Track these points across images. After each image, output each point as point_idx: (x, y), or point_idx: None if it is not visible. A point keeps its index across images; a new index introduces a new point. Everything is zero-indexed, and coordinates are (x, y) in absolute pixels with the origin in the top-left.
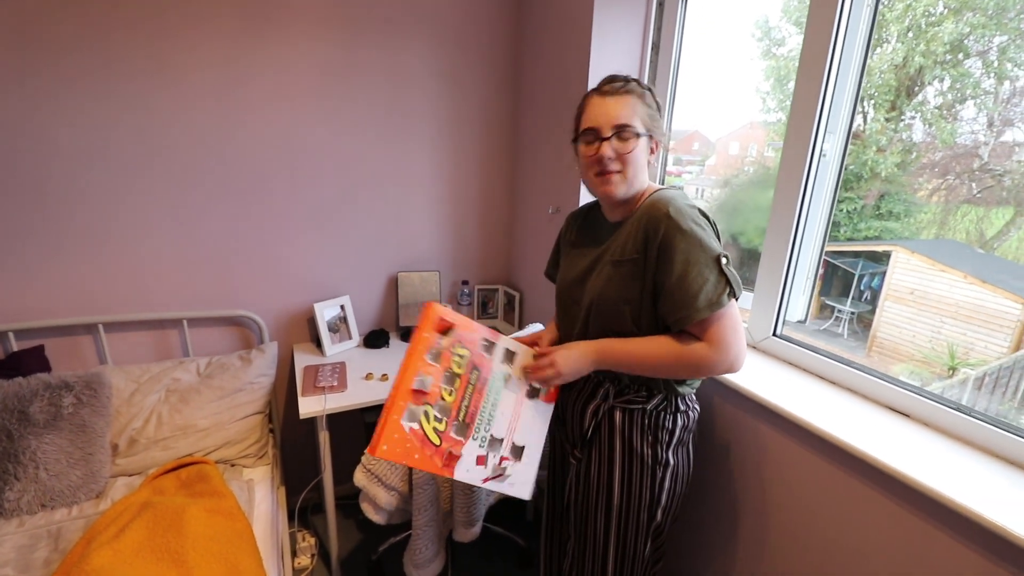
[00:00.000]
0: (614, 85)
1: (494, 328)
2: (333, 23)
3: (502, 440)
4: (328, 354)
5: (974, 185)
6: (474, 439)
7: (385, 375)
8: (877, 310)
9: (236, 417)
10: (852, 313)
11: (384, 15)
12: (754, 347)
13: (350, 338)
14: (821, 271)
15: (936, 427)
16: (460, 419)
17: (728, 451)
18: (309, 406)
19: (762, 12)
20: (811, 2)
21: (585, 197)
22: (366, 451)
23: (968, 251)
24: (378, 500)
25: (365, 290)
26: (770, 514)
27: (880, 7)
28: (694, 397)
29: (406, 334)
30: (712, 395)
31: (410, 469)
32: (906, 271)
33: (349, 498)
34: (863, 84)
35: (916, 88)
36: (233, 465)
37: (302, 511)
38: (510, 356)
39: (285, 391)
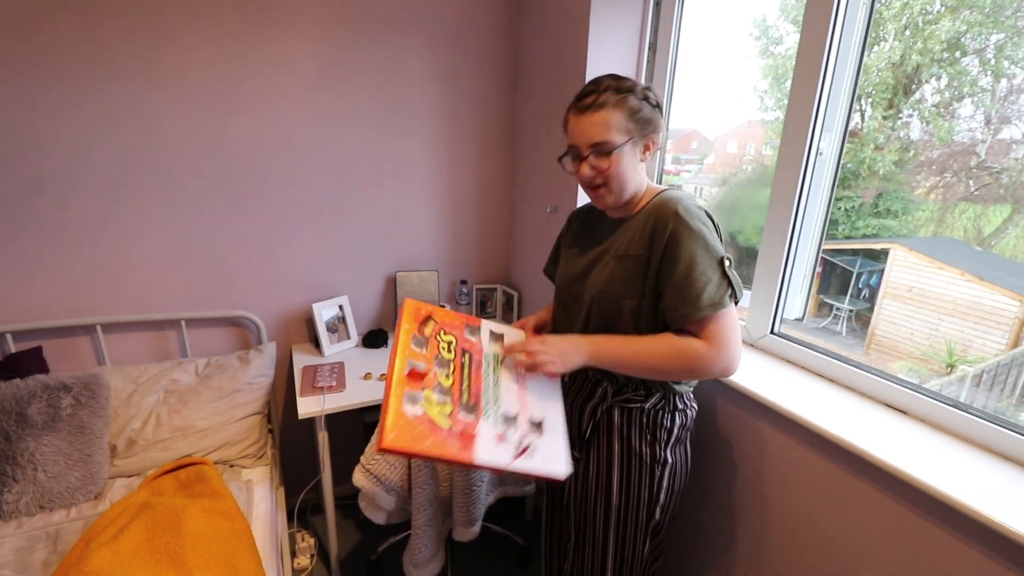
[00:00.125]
0: (585, 102)
1: None
2: (331, 22)
3: (516, 416)
4: (327, 354)
5: (971, 183)
6: (486, 418)
7: (384, 375)
8: (875, 308)
9: (235, 418)
10: (850, 311)
11: (382, 14)
12: (752, 345)
13: (349, 338)
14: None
15: (934, 424)
16: (465, 401)
17: (726, 449)
18: (308, 406)
19: (759, 11)
20: (807, 1)
21: (584, 196)
22: (373, 448)
23: (966, 248)
24: (377, 500)
25: (363, 290)
26: (769, 512)
27: (877, 5)
28: (692, 396)
29: None
30: (710, 393)
31: (409, 469)
32: (904, 269)
33: (348, 498)
34: (860, 82)
35: (913, 86)
36: (232, 466)
37: (301, 511)
38: (498, 338)
39: (284, 391)
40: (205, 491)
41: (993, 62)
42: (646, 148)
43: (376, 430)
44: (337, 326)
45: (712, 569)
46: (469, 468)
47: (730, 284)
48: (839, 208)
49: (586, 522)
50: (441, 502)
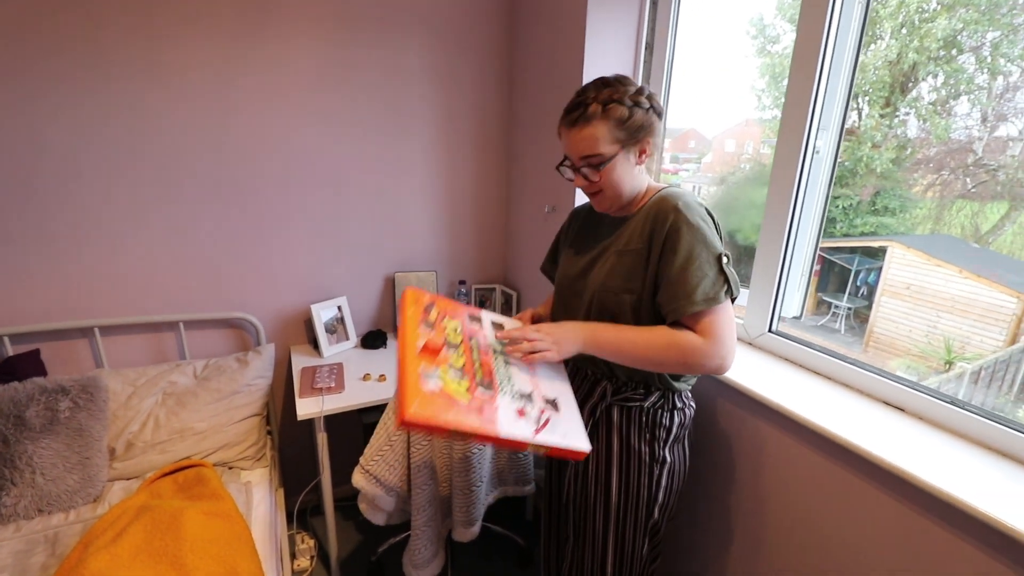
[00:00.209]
0: (572, 116)
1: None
2: (331, 22)
3: (531, 394)
4: (325, 355)
5: (968, 180)
6: (503, 394)
7: (383, 376)
8: (873, 305)
9: (233, 419)
10: (849, 308)
11: (382, 14)
12: (750, 343)
13: (347, 339)
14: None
15: (931, 421)
16: (480, 379)
17: (724, 448)
18: (307, 407)
19: (756, 10)
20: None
21: (581, 195)
22: (395, 423)
23: (963, 246)
24: (377, 501)
25: (362, 291)
26: (767, 510)
27: (873, 4)
28: (690, 395)
29: None
30: (708, 392)
31: (408, 470)
32: (902, 266)
33: (348, 499)
34: (856, 81)
35: (910, 84)
36: (231, 468)
37: (301, 513)
38: (499, 327)
39: (283, 393)
40: (204, 493)
41: (989, 60)
42: (641, 152)
43: (388, 411)
44: (336, 327)
45: (711, 568)
46: (492, 443)
47: (727, 280)
48: (837, 206)
49: (585, 521)
50: (441, 502)
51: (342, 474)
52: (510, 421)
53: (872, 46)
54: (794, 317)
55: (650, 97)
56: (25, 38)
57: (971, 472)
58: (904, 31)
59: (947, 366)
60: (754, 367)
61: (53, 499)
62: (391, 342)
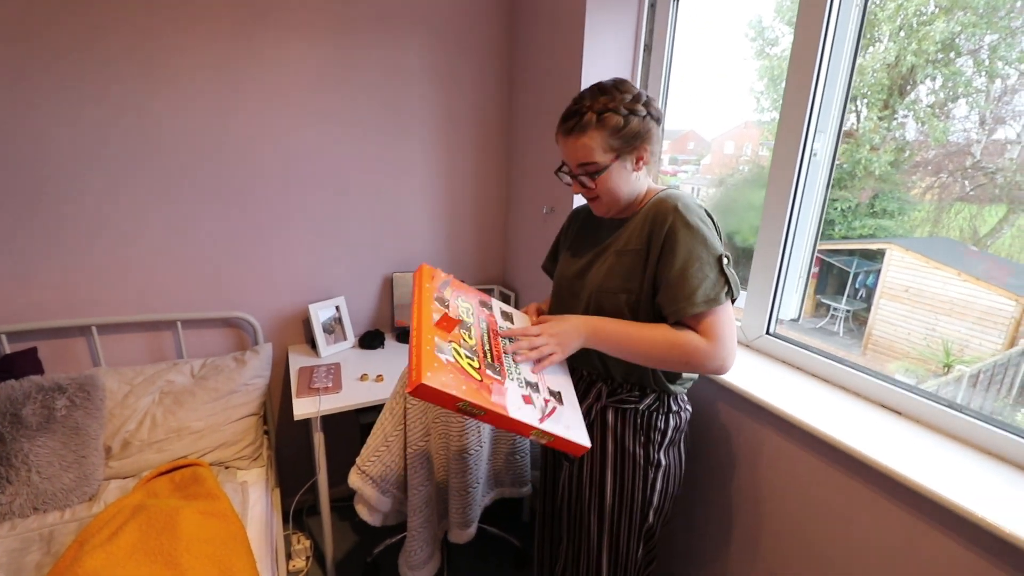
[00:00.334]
0: (567, 125)
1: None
2: (331, 23)
3: (536, 384)
4: (323, 355)
5: (967, 183)
6: (511, 379)
7: (380, 376)
8: (872, 308)
9: (230, 419)
10: (847, 311)
11: (381, 15)
12: (747, 345)
13: (345, 339)
14: (816, 269)
15: (929, 425)
16: (490, 361)
17: (720, 450)
18: (304, 407)
19: (755, 12)
20: (800, 2)
21: (579, 197)
22: (405, 389)
23: (962, 248)
24: (373, 502)
25: (360, 291)
26: (763, 513)
27: (871, 7)
28: (686, 397)
29: (402, 335)
30: (705, 395)
31: (405, 470)
32: (900, 269)
33: (344, 500)
34: (854, 83)
35: (908, 87)
36: (227, 467)
37: (297, 513)
38: (508, 317)
39: (280, 393)
40: (200, 493)
41: (987, 63)
42: (638, 159)
43: (385, 412)
44: (334, 327)
45: (706, 571)
46: (498, 424)
47: (727, 282)
48: (835, 208)
49: (580, 524)
50: (437, 504)
51: (339, 474)
52: (517, 406)
53: (870, 49)
54: (792, 319)
55: (647, 103)
56: (30, 44)
57: (968, 476)
58: (902, 34)
59: (946, 369)
60: (752, 369)
61: (49, 497)
62: (389, 342)
